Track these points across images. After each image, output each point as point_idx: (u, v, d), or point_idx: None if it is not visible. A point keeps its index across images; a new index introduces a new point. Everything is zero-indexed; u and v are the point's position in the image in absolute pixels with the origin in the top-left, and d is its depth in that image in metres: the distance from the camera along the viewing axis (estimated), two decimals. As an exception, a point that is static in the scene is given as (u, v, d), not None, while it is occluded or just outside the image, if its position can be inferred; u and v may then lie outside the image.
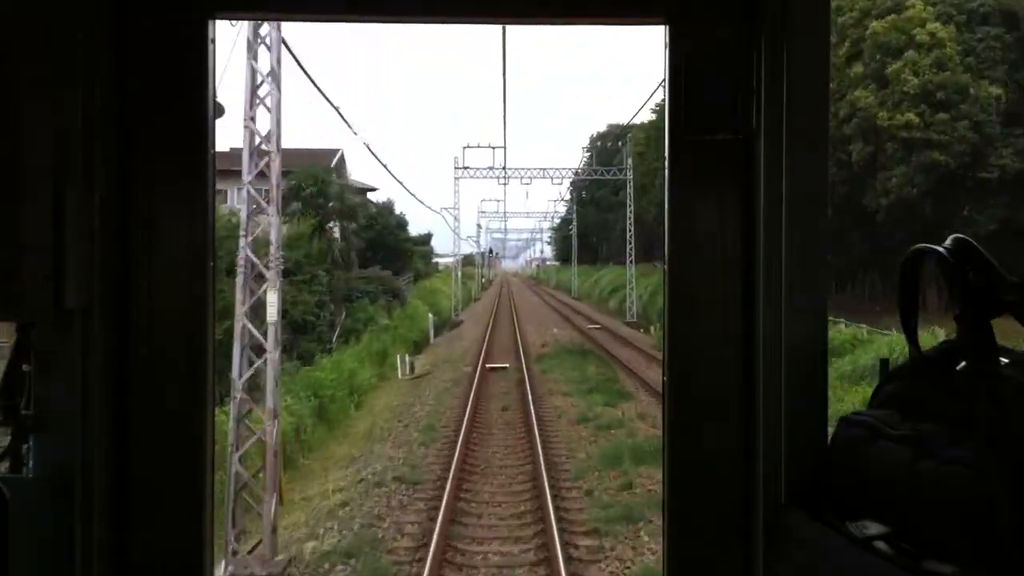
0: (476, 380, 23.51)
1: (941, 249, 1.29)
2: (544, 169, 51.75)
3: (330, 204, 33.98)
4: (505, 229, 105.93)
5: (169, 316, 1.74)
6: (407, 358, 29.09)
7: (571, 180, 70.61)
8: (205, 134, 1.76)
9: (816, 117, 1.65)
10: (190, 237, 1.74)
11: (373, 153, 35.76)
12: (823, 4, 1.67)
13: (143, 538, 1.72)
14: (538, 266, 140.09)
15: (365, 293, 39.32)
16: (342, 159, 45.06)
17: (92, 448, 1.62)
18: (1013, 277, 1.25)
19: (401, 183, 47.55)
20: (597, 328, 41.24)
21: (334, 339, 35.36)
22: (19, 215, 1.53)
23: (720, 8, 1.75)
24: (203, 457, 1.75)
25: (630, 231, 49.10)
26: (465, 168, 52.24)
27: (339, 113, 29.06)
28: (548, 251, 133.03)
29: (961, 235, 1.29)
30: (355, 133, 30.10)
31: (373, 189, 57.24)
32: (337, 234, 35.19)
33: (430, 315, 41.24)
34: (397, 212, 52.59)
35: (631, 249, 48.27)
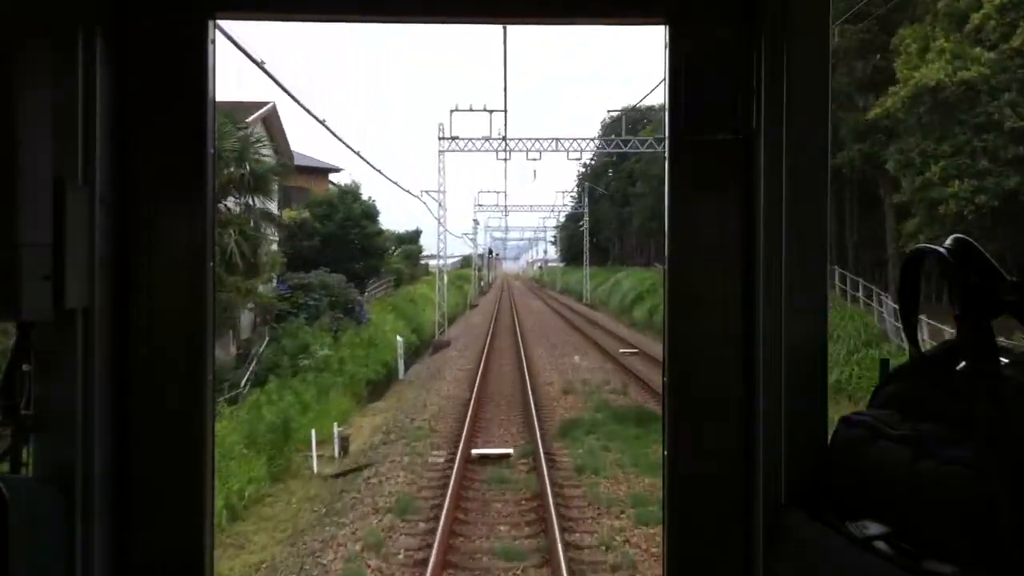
0: (450, 496, 11.50)
1: (941, 249, 1.29)
2: (557, 139, 39.09)
3: (227, 169, 21.50)
4: (506, 227, 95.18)
5: (169, 316, 1.75)
6: (336, 429, 16.94)
7: (591, 156, 58.71)
8: (205, 134, 1.77)
9: (816, 117, 1.67)
10: (190, 237, 1.75)
11: (312, 114, 23.62)
12: (823, 4, 1.68)
13: (143, 538, 1.74)
14: (540, 267, 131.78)
15: (300, 308, 27.06)
16: (275, 114, 32.03)
17: (92, 448, 1.63)
18: (1013, 277, 1.25)
19: (359, 153, 33.64)
20: (634, 353, 28.88)
21: (243, 384, 22.97)
22: (19, 215, 1.52)
23: (720, 8, 1.77)
24: (203, 457, 1.76)
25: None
26: (453, 138, 39.04)
27: (262, 68, 18.58)
28: (552, 251, 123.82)
29: (962, 235, 1.28)
30: (280, 86, 18.45)
31: (335, 169, 44.54)
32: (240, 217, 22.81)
33: (399, 338, 28.97)
34: (365, 197, 39.63)
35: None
